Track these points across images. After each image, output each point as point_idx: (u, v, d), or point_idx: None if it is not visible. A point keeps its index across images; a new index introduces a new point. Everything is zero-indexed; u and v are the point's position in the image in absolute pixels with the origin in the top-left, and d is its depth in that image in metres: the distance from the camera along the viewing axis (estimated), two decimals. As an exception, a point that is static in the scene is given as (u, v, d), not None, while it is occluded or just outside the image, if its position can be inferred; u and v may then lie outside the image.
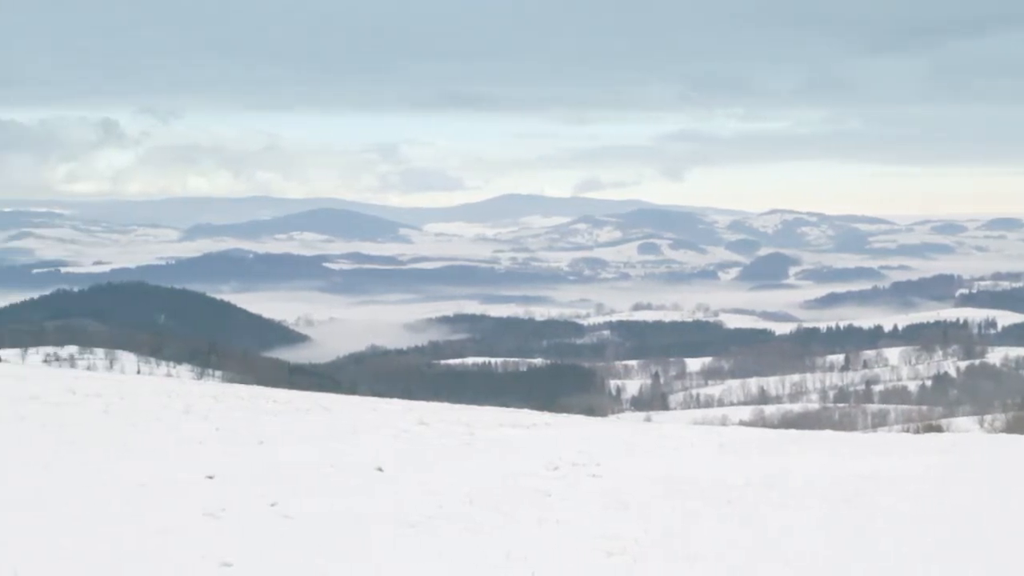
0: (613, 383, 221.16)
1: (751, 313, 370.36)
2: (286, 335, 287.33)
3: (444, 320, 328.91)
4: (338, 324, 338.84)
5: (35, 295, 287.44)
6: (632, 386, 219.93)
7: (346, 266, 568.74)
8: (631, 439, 24.27)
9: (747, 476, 18.67)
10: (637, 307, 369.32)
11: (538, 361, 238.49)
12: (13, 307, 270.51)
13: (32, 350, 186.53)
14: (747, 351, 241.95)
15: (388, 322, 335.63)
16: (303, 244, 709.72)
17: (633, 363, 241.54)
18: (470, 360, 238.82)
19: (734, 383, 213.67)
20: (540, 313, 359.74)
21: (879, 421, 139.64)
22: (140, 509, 13.41)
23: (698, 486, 17.27)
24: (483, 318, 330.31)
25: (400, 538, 12.60)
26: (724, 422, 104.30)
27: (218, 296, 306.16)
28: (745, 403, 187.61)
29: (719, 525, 14.25)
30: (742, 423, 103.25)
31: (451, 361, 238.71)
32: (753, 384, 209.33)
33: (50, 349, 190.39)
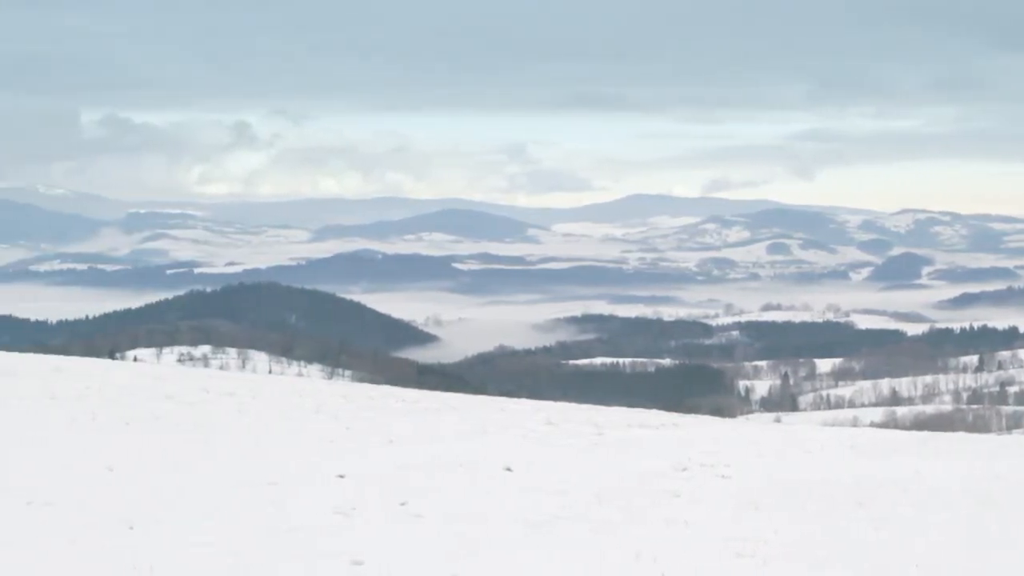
0: (742, 384, 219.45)
1: (883, 314, 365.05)
2: (415, 335, 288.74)
3: (572, 320, 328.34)
4: (466, 324, 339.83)
5: (169, 295, 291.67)
6: (761, 387, 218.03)
7: (474, 266, 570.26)
8: (760, 440, 24.09)
9: (879, 478, 18.43)
10: (766, 307, 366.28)
11: (666, 361, 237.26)
12: (148, 307, 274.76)
13: (167, 350, 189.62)
14: (878, 352, 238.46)
15: (516, 322, 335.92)
16: (432, 244, 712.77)
17: (762, 364, 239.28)
18: (598, 360, 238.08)
19: (865, 384, 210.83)
20: (668, 313, 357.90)
21: (1014, 423, 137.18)
22: (272, 507, 13.57)
23: (828, 488, 17.09)
24: (611, 318, 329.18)
25: (529, 538, 12.62)
26: (855, 423, 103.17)
27: (348, 296, 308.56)
28: (876, 404, 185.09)
29: (850, 527, 14.08)
30: (873, 425, 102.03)
31: (579, 361, 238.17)
32: (884, 385, 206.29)
33: (184, 349, 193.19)
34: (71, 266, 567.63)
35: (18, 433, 18.97)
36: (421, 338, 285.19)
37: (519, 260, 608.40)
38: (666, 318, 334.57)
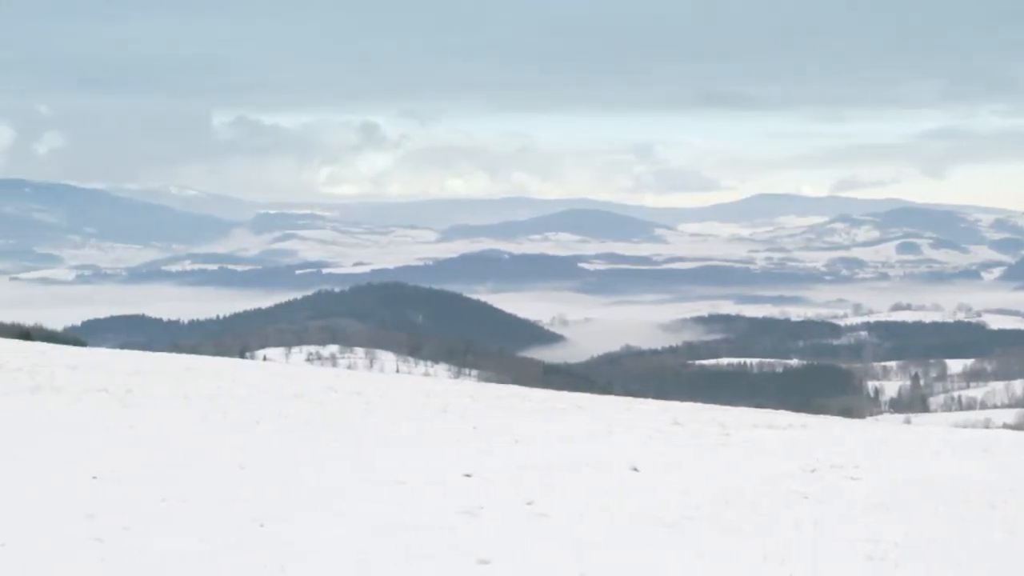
0: (871, 384, 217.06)
1: (1016, 314, 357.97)
2: (541, 335, 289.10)
3: (698, 320, 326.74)
4: (592, 324, 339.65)
5: (298, 295, 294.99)
6: (890, 388, 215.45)
7: (600, 266, 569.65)
8: (890, 441, 23.79)
9: (1012, 480, 18.13)
10: (896, 307, 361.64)
11: (794, 362, 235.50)
12: (278, 307, 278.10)
13: (295, 349, 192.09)
14: (1012, 352, 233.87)
15: (642, 322, 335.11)
16: (558, 244, 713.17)
17: (892, 364, 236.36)
18: (725, 361, 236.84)
19: (998, 385, 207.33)
20: (796, 313, 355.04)
21: None
22: (400, 506, 13.68)
23: (961, 490, 16.83)
24: (738, 318, 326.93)
25: (656, 538, 12.59)
26: (987, 425, 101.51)
27: (474, 296, 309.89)
28: (1009, 406, 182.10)
29: (983, 531, 13.87)
30: (1006, 426, 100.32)
31: (705, 361, 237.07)
32: (1018, 386, 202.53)
33: (312, 348, 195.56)
34: (202, 266, 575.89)
35: (152, 432, 19.31)
36: (547, 338, 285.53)
37: (645, 260, 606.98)
38: (794, 318, 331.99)
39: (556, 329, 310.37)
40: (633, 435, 22.18)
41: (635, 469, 17.31)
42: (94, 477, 14.55)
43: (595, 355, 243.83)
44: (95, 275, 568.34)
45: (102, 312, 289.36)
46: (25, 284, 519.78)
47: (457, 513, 13.39)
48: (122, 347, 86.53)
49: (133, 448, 17.26)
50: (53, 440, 17.57)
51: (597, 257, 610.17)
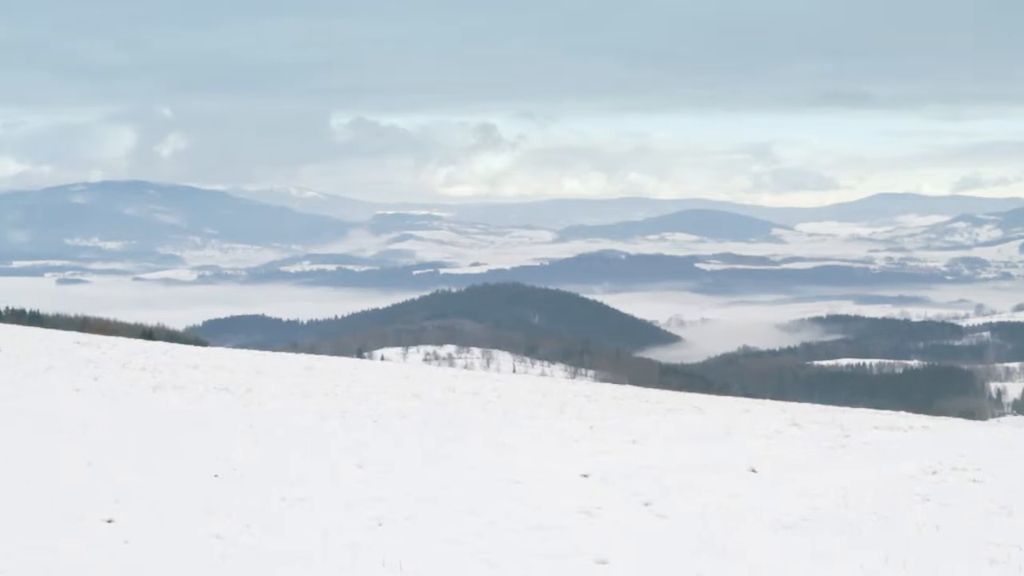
0: (993, 386, 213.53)
1: None
2: (658, 335, 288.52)
3: (817, 321, 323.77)
4: (709, 324, 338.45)
5: (415, 296, 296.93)
6: (1014, 389, 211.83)
7: (717, 266, 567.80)
8: (1015, 443, 23.40)
9: None
10: (1019, 308, 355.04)
11: (914, 363, 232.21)
12: (395, 307, 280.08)
13: (413, 349, 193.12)
14: None
15: (760, 322, 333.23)
16: (674, 245, 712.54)
17: (1015, 365, 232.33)
18: (843, 362, 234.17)
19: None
20: (916, 314, 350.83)
21: None
22: (518, 505, 13.70)
23: (1087, 494, 16.52)
24: (857, 319, 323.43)
25: (775, 539, 12.49)
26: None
27: (591, 296, 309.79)
28: None
29: (1111, 535, 13.60)
30: None
31: (824, 362, 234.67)
32: None
33: (430, 348, 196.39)
34: (321, 267, 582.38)
35: (271, 431, 19.51)
36: (664, 338, 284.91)
37: (763, 260, 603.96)
38: (914, 318, 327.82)
39: (673, 329, 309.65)
40: (751, 436, 22.04)
41: (753, 470, 17.20)
42: (215, 475, 14.74)
43: (712, 356, 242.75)
44: (216, 275, 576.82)
45: (222, 312, 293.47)
46: (148, 284, 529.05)
47: (575, 513, 13.39)
48: (242, 347, 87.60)
49: (253, 447, 17.45)
50: (175, 438, 17.81)
51: (714, 257, 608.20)
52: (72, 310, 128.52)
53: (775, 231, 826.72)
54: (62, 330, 50.62)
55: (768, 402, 36.06)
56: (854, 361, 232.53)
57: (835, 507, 14.42)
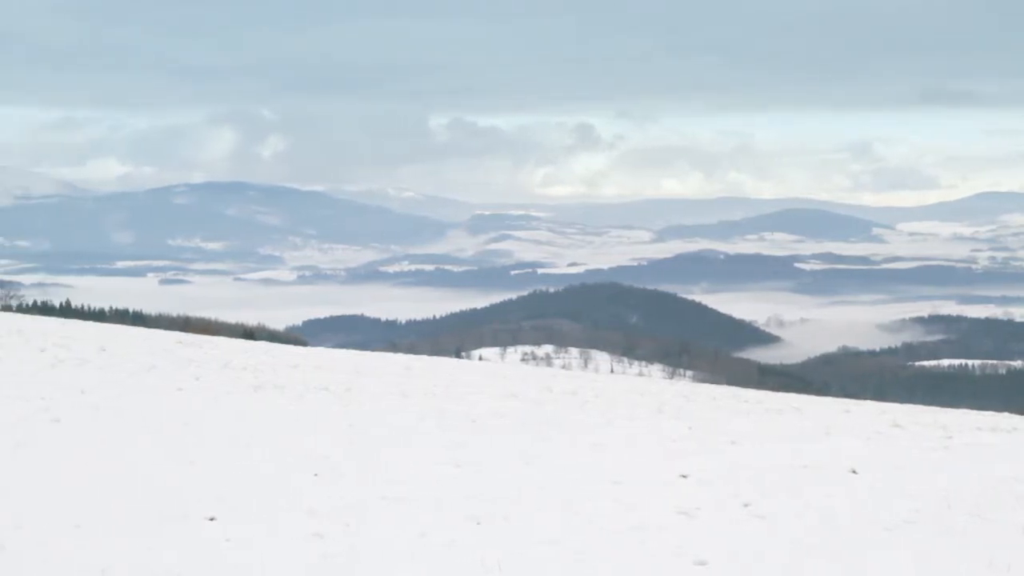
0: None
1: None
2: (756, 335, 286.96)
3: (918, 321, 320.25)
4: (809, 324, 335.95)
5: (513, 296, 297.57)
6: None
7: (817, 266, 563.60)
8: (1121, 446, 23.02)
9: None
10: None
11: (1017, 363, 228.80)
12: (494, 307, 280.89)
13: (510, 349, 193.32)
14: None
15: (860, 322, 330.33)
16: (774, 244, 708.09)
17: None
18: (945, 362, 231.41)
19: None
20: (1020, 314, 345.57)
21: None
22: (615, 505, 13.68)
23: None
24: (959, 319, 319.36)
25: (876, 541, 12.37)
26: None
27: (689, 296, 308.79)
28: None
29: None
30: None
31: (925, 363, 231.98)
32: None
33: (527, 348, 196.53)
34: (419, 267, 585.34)
35: (371, 430, 19.61)
36: (763, 338, 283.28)
37: (863, 260, 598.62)
38: (1018, 319, 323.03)
39: (772, 330, 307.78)
40: (851, 437, 21.88)
41: (854, 471, 17.05)
42: (315, 474, 14.84)
43: (811, 356, 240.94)
44: (315, 276, 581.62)
45: (322, 312, 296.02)
46: (248, 284, 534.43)
47: (673, 513, 13.34)
48: (341, 347, 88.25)
49: (352, 446, 17.55)
50: (275, 437, 17.96)
51: (814, 257, 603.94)
52: (174, 310, 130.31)
53: (876, 231, 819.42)
54: (164, 330, 51.25)
55: (868, 403, 35.78)
56: (956, 362, 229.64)
57: (937, 509, 14.26)
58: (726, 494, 14.71)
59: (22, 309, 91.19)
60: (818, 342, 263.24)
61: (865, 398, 43.36)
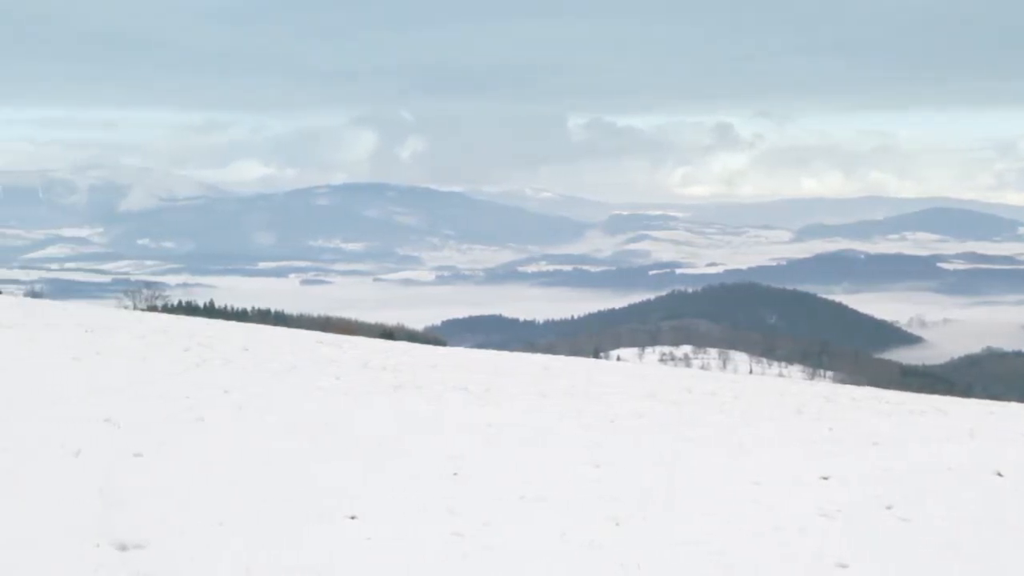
0: None
1: None
2: (898, 336, 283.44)
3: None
4: (952, 325, 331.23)
5: (651, 296, 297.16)
6: None
7: (960, 266, 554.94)
8: None
9: None
10: None
11: None
12: (632, 307, 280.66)
13: (649, 349, 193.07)
14: None
15: (1005, 323, 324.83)
16: (915, 244, 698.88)
17: None
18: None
19: None
20: None
21: None
22: (756, 507, 13.60)
23: None
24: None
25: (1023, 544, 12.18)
26: None
27: (829, 297, 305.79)
28: None
29: None
30: None
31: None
32: None
33: (666, 348, 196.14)
34: (557, 267, 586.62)
35: (509, 430, 19.66)
36: (905, 339, 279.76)
37: (1009, 260, 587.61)
38: None
39: (914, 330, 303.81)
40: (996, 439, 21.52)
41: (999, 474, 16.78)
42: (455, 473, 14.91)
43: (955, 357, 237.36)
44: (454, 276, 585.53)
45: (460, 312, 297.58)
46: (388, 285, 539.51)
47: (814, 515, 13.23)
48: (480, 346, 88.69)
49: (491, 446, 17.60)
50: (415, 437, 18.06)
51: (957, 257, 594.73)
52: (315, 310, 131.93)
53: (1021, 230, 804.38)
54: (305, 330, 51.85)
55: (1014, 404, 35.22)
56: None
57: (1088, 514, 13.98)
58: (868, 496, 14.56)
59: (167, 309, 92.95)
60: (961, 343, 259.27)
61: (1011, 400, 42.65)
